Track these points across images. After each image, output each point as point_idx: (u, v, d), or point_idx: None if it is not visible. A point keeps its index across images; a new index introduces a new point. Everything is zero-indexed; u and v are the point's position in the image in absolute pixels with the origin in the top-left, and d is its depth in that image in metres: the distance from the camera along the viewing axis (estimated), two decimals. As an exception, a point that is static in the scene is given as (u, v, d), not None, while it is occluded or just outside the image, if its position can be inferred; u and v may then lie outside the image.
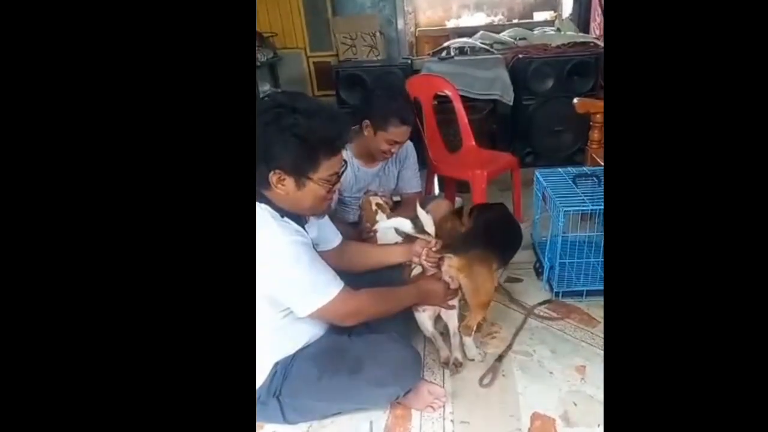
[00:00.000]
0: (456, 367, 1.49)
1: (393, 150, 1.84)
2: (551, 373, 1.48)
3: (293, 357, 1.27)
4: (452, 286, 1.44)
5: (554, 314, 1.76)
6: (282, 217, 1.17)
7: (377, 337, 1.29)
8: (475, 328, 1.51)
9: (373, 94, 1.98)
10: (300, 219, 1.25)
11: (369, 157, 1.91)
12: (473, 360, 1.53)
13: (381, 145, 1.81)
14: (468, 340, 1.54)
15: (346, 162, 1.23)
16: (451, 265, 1.40)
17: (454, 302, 1.50)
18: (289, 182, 1.14)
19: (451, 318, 1.54)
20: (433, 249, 1.42)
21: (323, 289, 1.17)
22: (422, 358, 1.53)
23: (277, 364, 1.26)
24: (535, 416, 1.32)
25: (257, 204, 1.13)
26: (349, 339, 1.27)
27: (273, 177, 1.12)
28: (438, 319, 1.58)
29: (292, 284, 1.15)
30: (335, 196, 1.77)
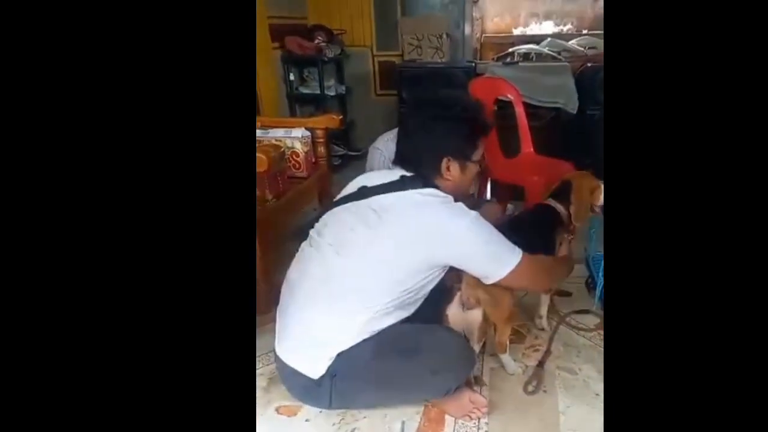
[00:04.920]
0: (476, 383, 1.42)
1: None
2: (597, 395, 1.39)
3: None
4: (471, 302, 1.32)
5: (589, 325, 1.70)
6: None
7: (437, 327, 1.28)
8: (507, 343, 1.44)
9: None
10: None
11: None
12: (513, 374, 1.47)
13: None
14: (505, 357, 1.47)
15: None
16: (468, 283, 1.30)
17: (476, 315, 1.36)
18: (455, 167, 1.26)
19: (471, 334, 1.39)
20: None
21: (510, 251, 1.22)
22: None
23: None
24: (576, 438, 1.25)
25: (430, 190, 1.22)
26: (411, 325, 1.25)
27: (445, 164, 1.25)
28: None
29: (483, 253, 1.20)
30: None
